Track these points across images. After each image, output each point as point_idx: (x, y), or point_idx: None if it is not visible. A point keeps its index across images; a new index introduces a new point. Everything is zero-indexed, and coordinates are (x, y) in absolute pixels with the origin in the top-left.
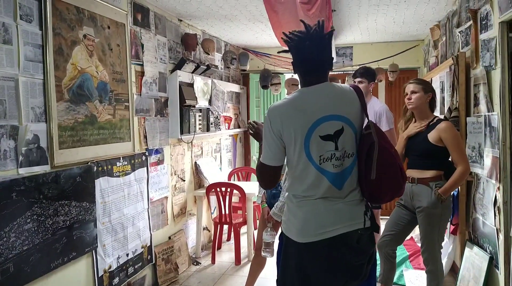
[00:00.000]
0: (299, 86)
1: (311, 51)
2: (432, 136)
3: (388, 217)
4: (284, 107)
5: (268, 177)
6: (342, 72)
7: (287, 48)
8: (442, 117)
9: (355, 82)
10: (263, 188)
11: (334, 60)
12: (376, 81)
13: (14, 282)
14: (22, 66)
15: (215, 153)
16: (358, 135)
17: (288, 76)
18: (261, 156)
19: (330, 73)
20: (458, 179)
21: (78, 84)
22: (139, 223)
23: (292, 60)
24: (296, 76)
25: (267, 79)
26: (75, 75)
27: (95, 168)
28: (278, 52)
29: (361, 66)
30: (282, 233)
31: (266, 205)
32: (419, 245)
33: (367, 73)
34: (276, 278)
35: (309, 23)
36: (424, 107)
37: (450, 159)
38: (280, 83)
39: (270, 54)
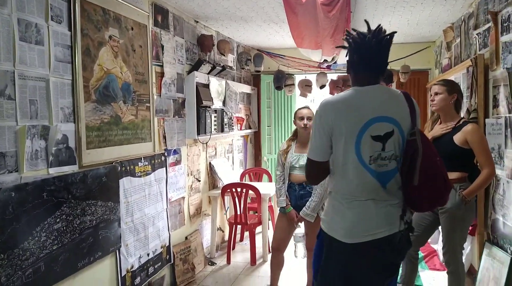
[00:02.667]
0: (349, 85)
1: (372, 51)
2: (457, 138)
3: None
4: (338, 103)
5: (317, 172)
6: None
7: (341, 45)
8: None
9: None
10: (311, 184)
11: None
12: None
13: (45, 282)
14: (53, 66)
15: (227, 154)
16: (404, 140)
17: (301, 77)
18: (308, 152)
19: (342, 75)
20: (483, 182)
21: (104, 84)
22: (159, 223)
23: (348, 59)
24: (309, 77)
25: (281, 80)
26: (101, 76)
27: (119, 168)
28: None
29: None
30: (321, 232)
31: (292, 208)
32: (433, 246)
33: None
34: (312, 276)
35: (329, 24)
36: (448, 108)
37: (475, 161)
38: (293, 84)
39: (284, 55)
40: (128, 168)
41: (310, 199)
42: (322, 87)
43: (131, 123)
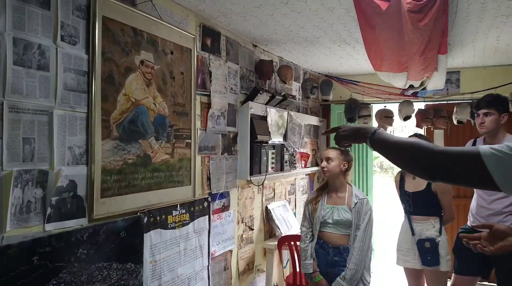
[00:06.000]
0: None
1: None
2: None
3: None
4: None
5: (463, 173)
6: (446, 102)
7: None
8: None
9: (478, 115)
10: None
11: (441, 87)
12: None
13: None
14: (60, 96)
15: (289, 196)
16: None
17: (379, 107)
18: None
19: (432, 104)
20: None
21: (130, 118)
22: (197, 285)
23: None
24: (390, 107)
25: (354, 110)
26: (127, 108)
27: (146, 219)
28: None
29: (486, 94)
30: None
31: (321, 277)
32: None
33: (497, 102)
34: None
35: (419, 38)
36: None
37: None
38: (370, 115)
39: (359, 82)
40: (158, 218)
41: (347, 268)
42: (406, 118)
43: (164, 164)
